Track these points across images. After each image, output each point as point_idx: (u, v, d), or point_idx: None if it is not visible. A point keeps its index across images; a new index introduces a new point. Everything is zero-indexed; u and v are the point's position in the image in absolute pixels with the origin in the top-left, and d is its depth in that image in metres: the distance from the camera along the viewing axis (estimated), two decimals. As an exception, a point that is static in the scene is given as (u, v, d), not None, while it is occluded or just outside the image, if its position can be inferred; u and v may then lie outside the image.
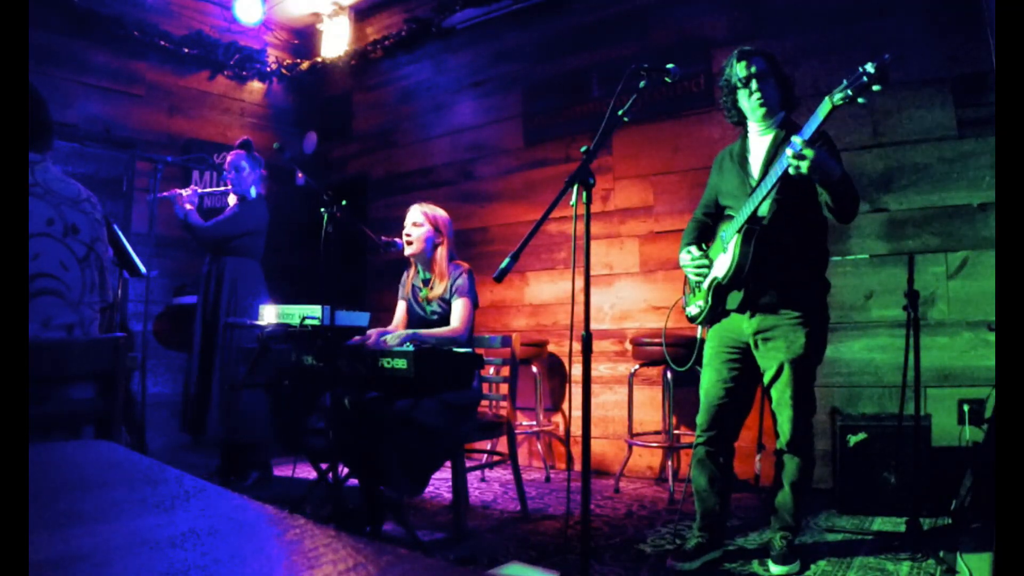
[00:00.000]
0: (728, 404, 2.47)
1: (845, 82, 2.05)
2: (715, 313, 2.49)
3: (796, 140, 2.09)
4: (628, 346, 4.05)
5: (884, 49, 3.42)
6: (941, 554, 2.36)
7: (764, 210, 2.32)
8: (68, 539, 0.54)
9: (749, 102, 2.41)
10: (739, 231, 2.32)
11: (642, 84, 2.15)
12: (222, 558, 0.50)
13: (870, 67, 1.98)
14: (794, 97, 2.48)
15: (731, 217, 2.43)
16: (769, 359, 2.39)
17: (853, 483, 3.04)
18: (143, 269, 3.41)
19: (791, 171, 2.11)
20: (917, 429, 2.84)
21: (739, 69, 2.41)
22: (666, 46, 4.13)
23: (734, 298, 2.43)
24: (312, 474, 3.66)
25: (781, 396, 2.38)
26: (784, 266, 2.34)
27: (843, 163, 2.28)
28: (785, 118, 2.45)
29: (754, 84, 2.38)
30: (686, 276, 2.63)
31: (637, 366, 3.78)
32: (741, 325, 2.44)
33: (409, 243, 3.09)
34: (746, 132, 2.52)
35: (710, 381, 2.51)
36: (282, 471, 4.01)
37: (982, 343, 3.18)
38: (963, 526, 2.51)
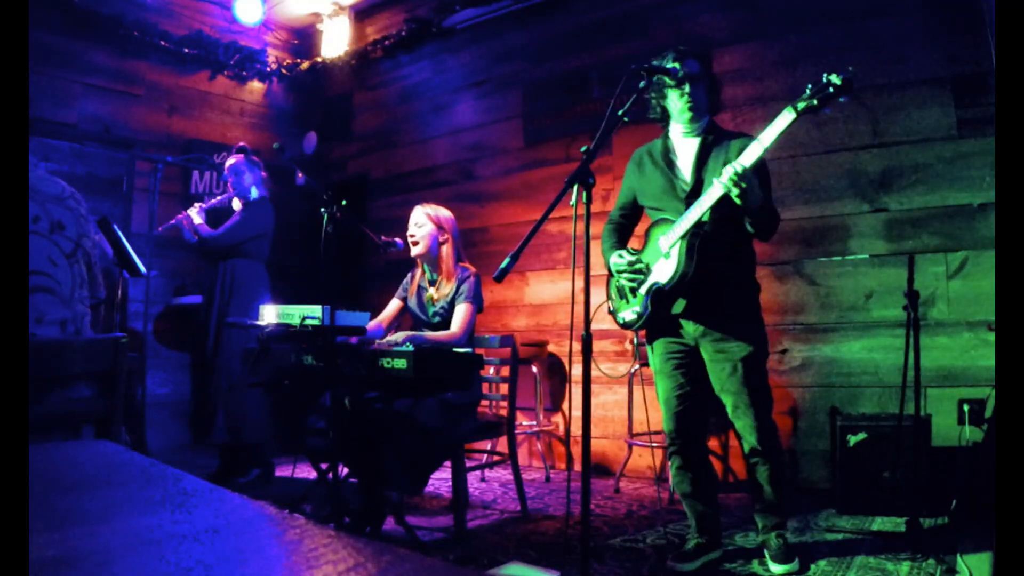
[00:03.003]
0: (690, 408, 2.47)
1: (809, 91, 2.07)
2: (654, 318, 2.43)
3: (739, 166, 2.13)
4: (628, 346, 4.05)
5: (884, 49, 3.45)
6: (941, 554, 2.36)
7: (706, 216, 2.32)
8: (68, 539, 0.54)
9: (680, 103, 2.40)
10: (683, 237, 2.30)
11: (642, 84, 2.15)
12: (222, 558, 0.50)
13: (836, 79, 2.02)
14: (719, 102, 2.52)
15: (665, 221, 2.40)
16: (720, 362, 2.38)
17: (853, 483, 3.04)
18: (143, 269, 3.42)
19: (723, 190, 2.16)
20: (917, 429, 2.84)
21: (683, 67, 2.39)
22: (666, 46, 4.10)
23: (678, 304, 2.41)
24: (312, 474, 3.67)
25: (738, 400, 2.37)
26: (725, 270, 2.36)
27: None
28: (710, 122, 2.47)
29: (687, 87, 2.38)
30: (611, 282, 2.58)
31: (637, 366, 3.78)
32: (687, 329, 2.43)
33: (415, 244, 3.10)
34: (667, 132, 2.52)
35: (667, 390, 2.49)
36: (282, 471, 4.01)
37: (982, 343, 3.18)
38: (963, 526, 2.51)
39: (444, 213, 3.16)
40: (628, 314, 2.49)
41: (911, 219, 3.41)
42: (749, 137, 2.44)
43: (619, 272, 2.47)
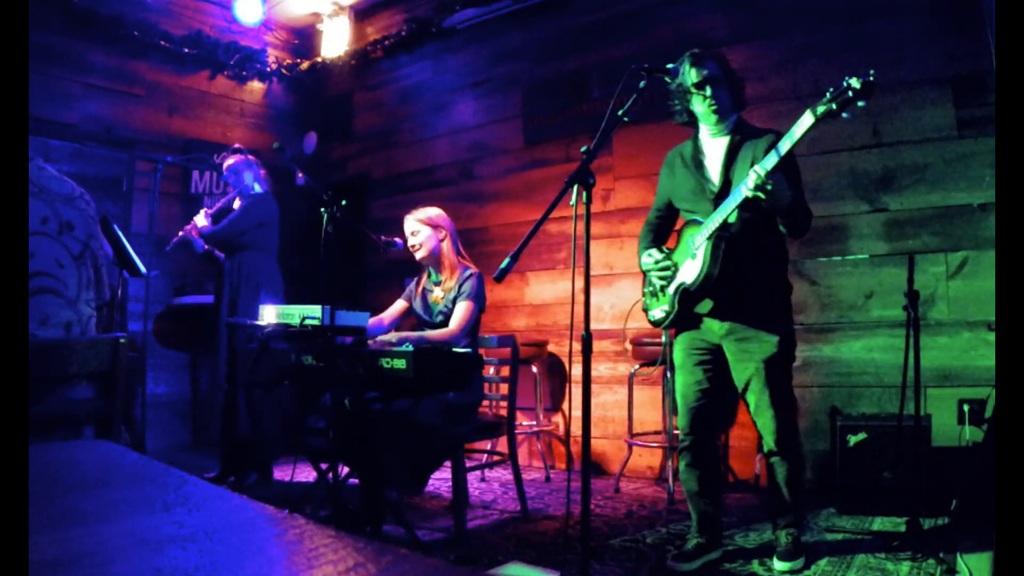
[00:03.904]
0: (706, 406, 2.48)
1: (829, 95, 2.06)
2: (681, 318, 2.46)
3: (759, 171, 2.13)
4: (628, 346, 4.05)
5: (884, 49, 3.45)
6: (941, 554, 2.36)
7: (732, 217, 2.33)
8: (68, 539, 0.54)
9: (703, 106, 2.40)
10: (709, 238, 2.31)
11: (642, 84, 2.15)
12: (222, 558, 0.51)
13: (855, 82, 2.00)
14: (744, 98, 2.49)
15: (695, 222, 2.41)
16: (743, 362, 2.39)
17: (853, 483, 3.04)
18: (143, 269, 3.41)
19: (749, 195, 2.17)
20: (917, 429, 2.83)
21: (692, 74, 2.40)
22: (666, 46, 4.12)
23: (704, 304, 2.42)
24: (311, 475, 3.67)
25: (760, 399, 2.38)
26: (752, 271, 2.36)
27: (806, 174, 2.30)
28: (737, 120, 2.46)
29: (708, 89, 2.37)
30: (646, 279, 2.61)
31: (637, 366, 3.78)
32: (711, 327, 2.44)
33: (417, 250, 3.12)
34: (697, 133, 2.52)
35: (685, 385, 2.50)
36: (282, 471, 4.01)
37: (982, 343, 3.18)
38: (963, 526, 2.51)
39: (434, 212, 3.18)
40: (657, 312, 2.53)
41: (911, 219, 3.41)
42: (776, 133, 2.41)
43: (648, 271, 2.52)
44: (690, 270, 2.39)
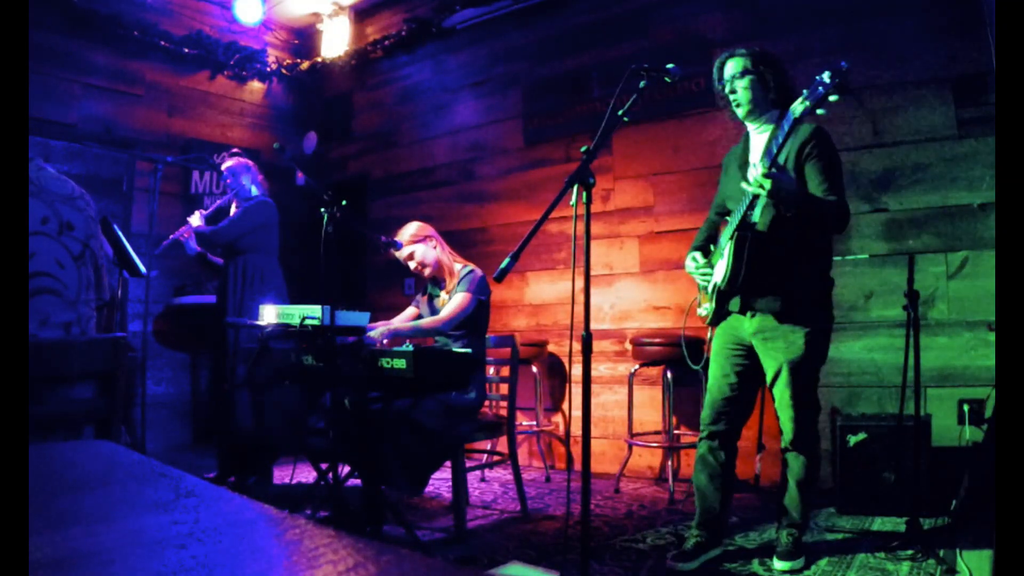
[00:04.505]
0: (732, 400, 2.48)
1: (805, 93, 2.06)
2: (719, 316, 2.52)
3: (759, 171, 2.12)
4: (628, 346, 4.05)
5: (884, 49, 3.45)
6: (941, 553, 2.36)
7: (757, 216, 2.32)
8: (68, 539, 0.54)
9: (732, 104, 2.42)
10: (731, 238, 2.32)
11: (642, 84, 2.15)
12: (222, 558, 0.51)
13: (826, 77, 1.99)
14: (789, 90, 2.40)
15: (727, 222, 2.45)
16: (769, 360, 2.40)
17: (853, 483, 3.04)
18: (143, 269, 3.41)
19: (752, 191, 2.16)
20: (917, 429, 2.83)
21: (720, 73, 2.42)
22: (666, 46, 4.12)
23: (734, 302, 2.45)
24: (311, 475, 3.67)
25: (782, 396, 2.39)
26: (783, 269, 2.34)
27: (842, 163, 2.28)
28: (781, 114, 2.41)
29: (728, 86, 2.40)
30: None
31: (637, 366, 3.78)
32: (743, 325, 2.45)
33: (424, 269, 3.16)
34: (746, 131, 2.53)
35: (715, 377, 2.53)
36: (282, 471, 4.01)
37: (982, 343, 3.18)
38: (963, 526, 2.51)
39: (414, 227, 3.21)
40: (702, 310, 2.59)
41: (911, 219, 3.41)
42: (816, 125, 2.39)
43: (691, 274, 2.59)
44: (719, 270, 2.41)
